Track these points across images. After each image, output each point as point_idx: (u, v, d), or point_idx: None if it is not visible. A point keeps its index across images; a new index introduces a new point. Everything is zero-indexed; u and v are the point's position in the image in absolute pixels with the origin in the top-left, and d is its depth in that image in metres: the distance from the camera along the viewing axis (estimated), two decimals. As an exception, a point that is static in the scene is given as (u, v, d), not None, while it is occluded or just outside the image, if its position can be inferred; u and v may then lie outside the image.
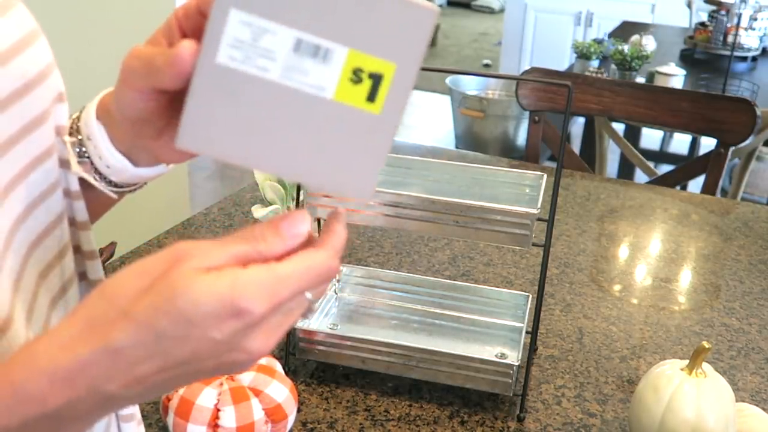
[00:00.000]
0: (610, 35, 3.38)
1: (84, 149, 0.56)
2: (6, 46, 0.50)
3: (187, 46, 0.43)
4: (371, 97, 0.42)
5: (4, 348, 0.48)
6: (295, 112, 0.43)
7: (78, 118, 0.57)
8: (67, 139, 0.56)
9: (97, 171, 0.57)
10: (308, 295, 0.44)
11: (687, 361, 0.82)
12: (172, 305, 0.41)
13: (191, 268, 0.41)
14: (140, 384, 0.42)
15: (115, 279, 0.43)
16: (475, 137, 3.85)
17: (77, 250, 0.60)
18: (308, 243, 0.45)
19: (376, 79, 0.42)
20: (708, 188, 1.69)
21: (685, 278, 1.28)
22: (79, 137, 0.56)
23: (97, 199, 0.60)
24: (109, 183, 0.58)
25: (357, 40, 0.42)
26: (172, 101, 0.49)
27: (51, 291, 0.55)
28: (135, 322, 0.41)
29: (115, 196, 0.59)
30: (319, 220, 1.05)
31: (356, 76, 0.42)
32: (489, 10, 7.97)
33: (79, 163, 0.56)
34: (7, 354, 0.46)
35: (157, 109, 0.49)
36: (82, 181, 0.57)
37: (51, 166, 0.54)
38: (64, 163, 0.56)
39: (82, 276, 0.61)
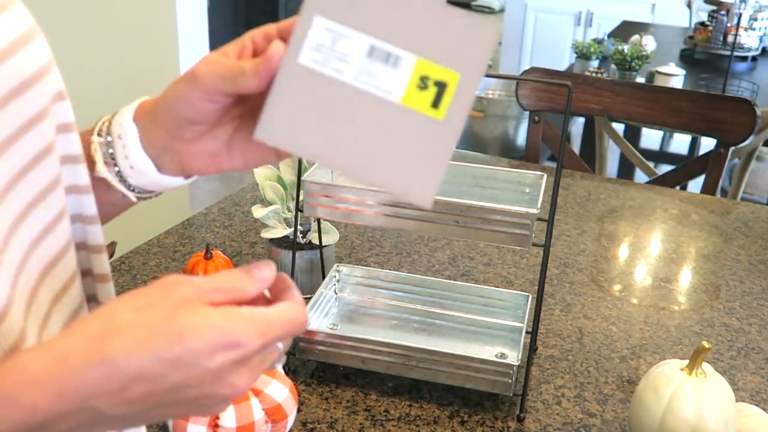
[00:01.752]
0: (610, 35, 3.38)
1: (111, 150, 0.58)
2: (4, 44, 0.50)
3: (278, 45, 0.48)
4: (435, 103, 0.45)
5: None
6: (364, 113, 0.46)
7: (109, 121, 0.59)
8: (96, 138, 0.58)
9: (118, 173, 0.59)
10: (279, 345, 0.48)
11: (687, 361, 0.82)
12: (172, 328, 0.42)
13: (189, 298, 0.44)
14: (127, 405, 0.43)
15: (112, 302, 0.45)
16: (475, 137, 3.84)
17: (83, 246, 0.60)
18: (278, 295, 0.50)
19: (441, 87, 0.45)
20: (708, 188, 1.69)
21: (685, 278, 1.28)
22: (108, 138, 0.58)
23: (106, 203, 0.61)
24: (128, 187, 0.60)
25: (425, 50, 0.45)
26: (230, 107, 0.55)
27: (53, 287, 0.56)
28: (131, 338, 0.42)
29: (133, 198, 0.61)
30: (319, 221, 1.05)
31: (423, 82, 0.45)
32: (489, 10, 7.97)
33: (104, 163, 0.58)
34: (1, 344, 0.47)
35: (214, 112, 0.54)
36: (95, 185, 0.59)
37: (51, 164, 0.54)
38: (67, 160, 0.56)
39: (86, 273, 0.61)
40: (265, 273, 0.49)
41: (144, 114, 0.58)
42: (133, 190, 0.60)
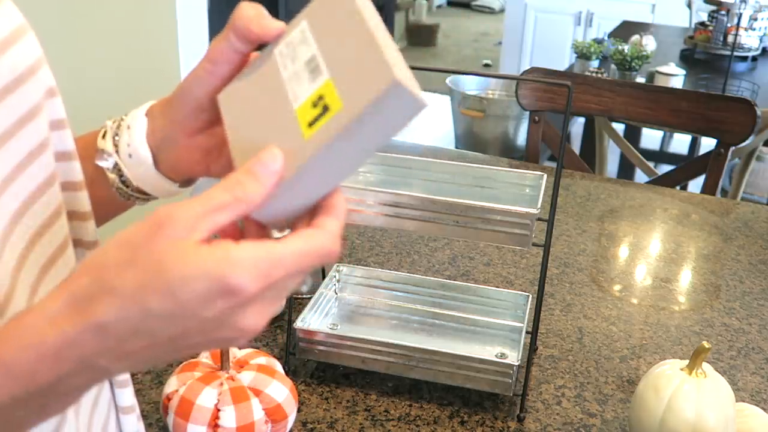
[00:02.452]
0: (610, 35, 3.38)
1: (117, 136, 0.60)
2: None
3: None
4: (312, 123, 0.45)
5: None
6: (272, 105, 0.49)
7: (122, 117, 0.61)
8: (108, 123, 0.61)
9: (116, 166, 0.60)
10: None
11: (687, 361, 0.82)
12: (161, 282, 0.40)
13: (177, 239, 0.40)
14: (130, 357, 0.42)
15: (98, 252, 0.42)
16: (475, 137, 3.85)
17: (79, 242, 0.60)
18: (309, 219, 0.45)
19: (324, 110, 0.45)
20: (708, 188, 1.69)
21: (685, 278, 1.28)
22: (118, 128, 0.60)
23: (102, 201, 0.62)
24: (123, 182, 0.61)
25: (338, 73, 0.46)
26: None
27: (53, 283, 0.56)
28: (121, 298, 0.40)
29: (122, 197, 0.61)
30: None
31: (317, 101, 0.46)
32: (489, 10, 7.97)
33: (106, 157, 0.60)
34: None
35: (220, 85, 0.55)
36: (94, 178, 0.60)
37: (46, 160, 0.55)
38: (61, 157, 0.57)
39: None
40: (269, 168, 0.44)
41: (155, 107, 0.60)
42: (127, 186, 0.61)
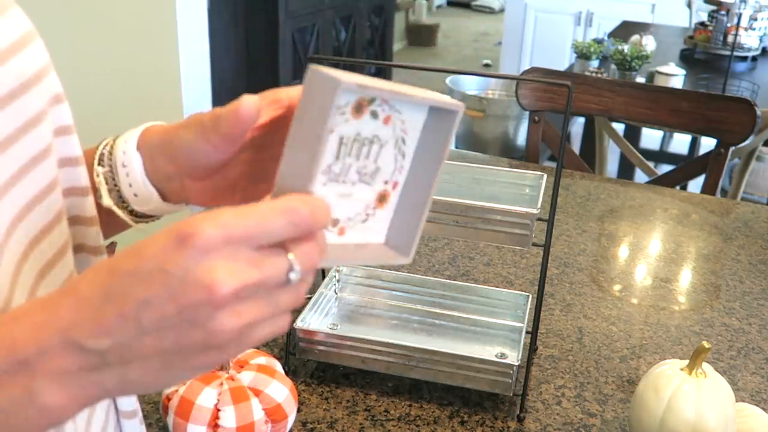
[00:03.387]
0: (610, 35, 3.38)
1: (114, 178, 0.59)
2: (3, 46, 0.50)
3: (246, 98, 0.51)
4: None
5: None
6: None
7: (111, 145, 0.59)
8: (99, 169, 0.59)
9: (121, 199, 0.59)
10: (290, 256, 0.41)
11: (687, 361, 0.82)
12: (130, 249, 0.41)
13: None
14: (107, 334, 0.40)
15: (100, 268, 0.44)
16: (475, 137, 3.84)
17: (81, 248, 0.60)
18: None
19: None
20: (708, 188, 1.69)
21: (685, 278, 1.28)
22: (110, 166, 0.59)
23: (109, 223, 0.62)
24: (131, 212, 0.60)
25: None
26: (240, 152, 0.56)
27: (51, 287, 0.56)
28: (96, 268, 0.42)
29: (134, 224, 0.61)
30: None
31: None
32: (489, 10, 7.97)
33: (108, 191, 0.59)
34: None
35: (223, 157, 0.55)
36: (100, 206, 0.59)
37: (49, 166, 0.55)
38: (66, 162, 0.57)
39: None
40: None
41: (149, 142, 0.58)
42: (137, 216, 0.61)
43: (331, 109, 0.44)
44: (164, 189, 0.59)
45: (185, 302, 0.39)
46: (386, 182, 0.53)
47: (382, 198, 0.54)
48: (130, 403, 0.63)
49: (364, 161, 0.51)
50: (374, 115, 0.49)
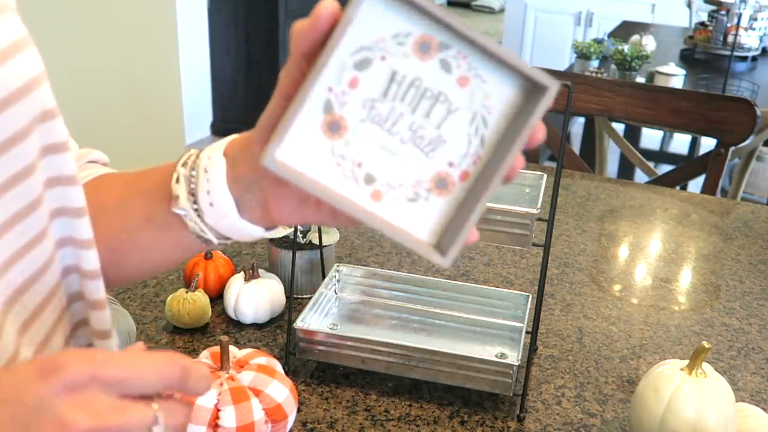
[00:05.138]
0: (610, 35, 3.38)
1: (193, 184, 0.54)
2: None
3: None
4: None
5: None
6: None
7: (197, 154, 0.55)
8: (181, 170, 0.55)
9: (196, 211, 0.55)
10: (155, 406, 0.40)
11: (687, 361, 0.82)
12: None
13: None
14: None
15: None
16: (475, 137, 3.84)
17: (75, 270, 0.58)
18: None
19: None
20: (708, 188, 1.69)
21: (685, 278, 1.28)
22: (193, 172, 0.54)
23: (172, 245, 0.58)
24: (203, 230, 0.55)
25: None
26: None
27: (23, 313, 0.54)
28: None
29: (199, 234, 0.56)
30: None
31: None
32: (489, 10, 7.97)
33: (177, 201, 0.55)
34: None
35: None
36: (167, 222, 0.56)
37: (31, 185, 0.52)
38: (57, 182, 0.54)
39: (77, 298, 0.60)
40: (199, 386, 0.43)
41: (233, 150, 0.54)
42: (208, 233, 0.56)
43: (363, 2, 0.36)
44: (243, 201, 0.54)
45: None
46: (451, 164, 0.43)
47: (442, 183, 0.44)
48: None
49: (422, 120, 0.41)
50: (445, 66, 0.40)
